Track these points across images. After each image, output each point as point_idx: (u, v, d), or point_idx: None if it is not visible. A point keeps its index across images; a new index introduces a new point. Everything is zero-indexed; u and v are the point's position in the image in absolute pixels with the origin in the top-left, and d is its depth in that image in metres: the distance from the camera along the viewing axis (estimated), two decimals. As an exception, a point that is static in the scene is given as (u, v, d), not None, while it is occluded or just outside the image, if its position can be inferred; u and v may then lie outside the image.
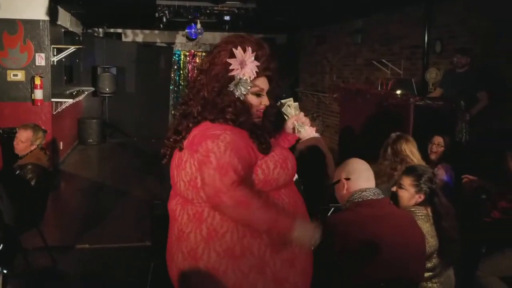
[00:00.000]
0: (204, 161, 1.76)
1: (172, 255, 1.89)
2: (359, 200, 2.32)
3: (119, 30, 11.34)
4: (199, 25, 7.82)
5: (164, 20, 7.29)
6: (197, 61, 11.17)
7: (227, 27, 7.81)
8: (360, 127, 6.02)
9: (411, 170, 2.85)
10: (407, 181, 2.77)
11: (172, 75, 11.26)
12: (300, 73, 11.34)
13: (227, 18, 7.39)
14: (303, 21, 9.24)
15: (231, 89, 1.88)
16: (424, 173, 2.77)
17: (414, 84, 6.02)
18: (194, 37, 8.36)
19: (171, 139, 1.93)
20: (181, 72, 11.30)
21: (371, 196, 2.31)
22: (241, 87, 1.89)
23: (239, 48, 1.89)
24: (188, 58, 11.28)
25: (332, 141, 8.61)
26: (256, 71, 1.91)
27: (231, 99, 1.87)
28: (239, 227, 1.78)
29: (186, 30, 8.26)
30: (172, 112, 11.23)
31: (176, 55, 11.20)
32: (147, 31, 11.20)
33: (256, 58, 1.92)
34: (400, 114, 5.21)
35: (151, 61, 10.85)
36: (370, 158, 4.11)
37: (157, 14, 7.22)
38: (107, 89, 10.16)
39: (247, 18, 7.50)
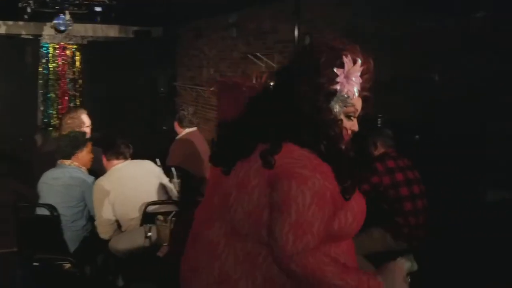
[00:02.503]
0: (281, 208, 1.41)
1: None
2: None
3: (-21, 21, 10.47)
4: (68, 16, 7.43)
5: (29, 10, 6.84)
6: (68, 54, 10.64)
7: (98, 18, 7.51)
8: (236, 120, 6.12)
9: None
10: None
11: (41, 69, 10.61)
12: (178, 67, 11.25)
13: (98, 9, 7.10)
14: (178, 14, 9.17)
15: (332, 106, 1.57)
16: None
17: (286, 77, 6.24)
18: (63, 29, 7.94)
19: (226, 155, 1.55)
20: (51, 66, 10.69)
21: None
22: (339, 105, 1.59)
23: (349, 57, 1.59)
24: (57, 51, 10.69)
25: (212, 134, 8.67)
26: (358, 90, 1.61)
27: (332, 119, 1.55)
28: None
29: (54, 22, 7.82)
30: (42, 108, 10.62)
31: (44, 48, 10.57)
32: (10, 22, 10.45)
33: (361, 74, 1.62)
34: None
35: (15, 55, 10.15)
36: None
37: (20, 4, 6.75)
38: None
39: (120, 9, 7.28)
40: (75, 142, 3.86)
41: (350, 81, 1.59)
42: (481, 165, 4.48)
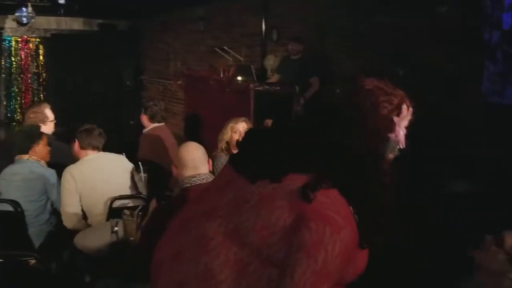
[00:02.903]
0: (309, 251, 1.34)
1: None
2: (187, 185, 2.40)
3: None
4: (30, 9, 7.28)
5: (-10, 2, 6.67)
6: (31, 47, 10.40)
7: (62, 11, 7.38)
8: (204, 113, 6.12)
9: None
10: None
11: (3, 63, 10.37)
12: (144, 60, 11.14)
13: (61, 1, 6.98)
14: (144, 6, 9.07)
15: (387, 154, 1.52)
16: None
17: (253, 71, 6.27)
18: (25, 22, 7.78)
19: (255, 168, 1.47)
20: (13, 59, 10.44)
21: (198, 181, 2.41)
22: (387, 151, 1.52)
23: (405, 105, 1.53)
24: (20, 45, 10.45)
25: (179, 128, 8.62)
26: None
27: (385, 166, 1.50)
28: None
29: (16, 14, 7.65)
30: (4, 103, 10.37)
31: (7, 41, 10.32)
32: (-30, 15, 10.16)
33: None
34: (241, 99, 5.40)
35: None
36: (214, 142, 4.23)
37: (-20, -4, 6.58)
38: None
39: (84, 1, 7.16)
40: (30, 136, 3.81)
41: (401, 129, 1.54)
42: (445, 157, 4.58)
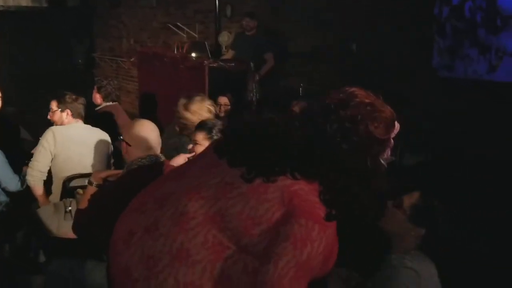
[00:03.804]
0: (297, 243, 1.37)
1: (153, 268, 1.44)
2: (135, 166, 2.38)
3: None
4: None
5: None
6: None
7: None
8: (158, 91, 6.05)
9: (201, 125, 2.98)
10: (200, 136, 2.89)
11: None
12: (96, 38, 10.86)
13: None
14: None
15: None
16: (215, 125, 2.92)
17: (208, 47, 6.22)
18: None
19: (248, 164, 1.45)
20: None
21: (147, 163, 2.38)
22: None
23: (397, 124, 1.58)
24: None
25: (134, 107, 8.50)
26: None
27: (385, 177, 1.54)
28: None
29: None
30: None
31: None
32: None
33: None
34: (196, 76, 5.36)
35: None
36: (169, 120, 4.19)
37: None
38: None
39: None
40: None
41: (387, 147, 1.58)
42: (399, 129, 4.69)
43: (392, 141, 1.58)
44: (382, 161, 1.55)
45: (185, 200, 1.48)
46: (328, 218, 1.41)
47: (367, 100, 1.55)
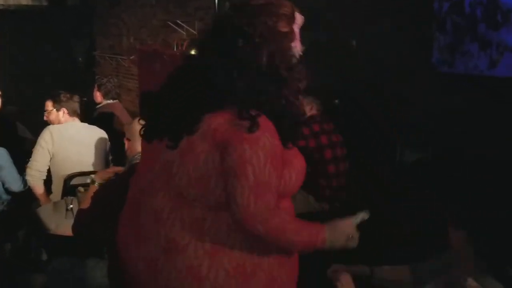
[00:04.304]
0: (237, 172, 1.41)
1: (155, 270, 1.48)
2: (136, 161, 2.39)
3: None
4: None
5: None
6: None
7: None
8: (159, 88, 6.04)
9: None
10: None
11: None
12: (96, 36, 10.86)
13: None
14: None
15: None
16: None
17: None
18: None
19: (171, 123, 1.48)
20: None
21: None
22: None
23: (297, 12, 1.62)
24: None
25: (134, 105, 8.49)
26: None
27: (298, 75, 1.57)
28: (249, 239, 1.51)
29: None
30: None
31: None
32: None
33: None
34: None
35: None
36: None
37: None
38: None
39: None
40: None
41: (298, 37, 1.62)
42: (398, 126, 4.68)
43: (296, 32, 1.59)
44: (294, 53, 1.58)
45: (148, 199, 1.54)
46: (251, 128, 1.41)
47: (261, 1, 1.57)
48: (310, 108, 4.08)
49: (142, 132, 1.63)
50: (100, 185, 2.55)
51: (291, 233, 1.51)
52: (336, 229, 1.61)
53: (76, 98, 3.89)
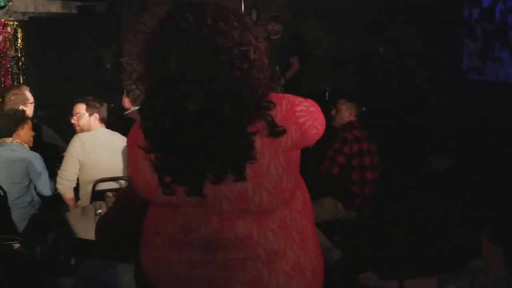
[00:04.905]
0: (313, 124, 1.46)
1: (261, 284, 1.47)
2: None
3: None
4: (6, -9, 7.14)
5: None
6: (9, 31, 10.22)
7: (38, -7, 7.24)
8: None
9: None
10: None
11: (-20, 46, 10.18)
12: (123, 43, 11.01)
13: (38, -17, 6.84)
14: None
15: None
16: None
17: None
18: (2, 5, 7.63)
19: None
20: (-10, 43, 10.25)
21: None
22: None
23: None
24: (-3, 28, 10.26)
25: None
26: None
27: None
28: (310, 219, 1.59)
29: (-8, -3, 7.49)
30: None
31: (-17, 25, 10.12)
32: None
33: None
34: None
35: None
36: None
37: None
38: None
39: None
40: (14, 119, 3.79)
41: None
42: (425, 134, 4.63)
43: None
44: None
45: (242, 229, 1.47)
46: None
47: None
48: (349, 114, 4.04)
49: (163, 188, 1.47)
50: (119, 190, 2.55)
51: None
52: None
53: (105, 105, 3.95)
